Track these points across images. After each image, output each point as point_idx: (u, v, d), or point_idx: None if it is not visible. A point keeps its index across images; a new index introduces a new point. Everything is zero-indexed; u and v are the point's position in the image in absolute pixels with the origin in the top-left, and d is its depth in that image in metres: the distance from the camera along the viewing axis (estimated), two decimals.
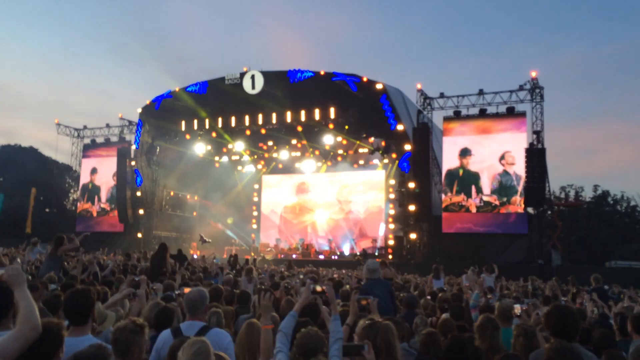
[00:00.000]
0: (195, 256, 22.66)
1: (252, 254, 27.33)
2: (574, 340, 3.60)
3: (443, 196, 24.57)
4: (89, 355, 2.57)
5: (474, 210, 23.95)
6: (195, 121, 27.96)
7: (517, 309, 4.33)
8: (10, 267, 2.84)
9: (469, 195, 24.04)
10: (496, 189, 23.61)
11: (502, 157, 23.64)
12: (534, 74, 23.34)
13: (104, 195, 32.65)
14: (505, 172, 23.52)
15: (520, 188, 22.93)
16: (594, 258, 36.24)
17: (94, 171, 33.29)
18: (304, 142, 28.72)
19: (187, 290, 4.62)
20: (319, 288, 3.83)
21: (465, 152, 24.43)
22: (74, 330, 3.33)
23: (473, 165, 24.23)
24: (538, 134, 22.90)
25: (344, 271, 17.02)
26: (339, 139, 27.87)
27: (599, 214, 45.39)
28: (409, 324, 5.09)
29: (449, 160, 24.67)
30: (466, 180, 24.22)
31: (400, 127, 23.74)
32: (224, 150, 31.07)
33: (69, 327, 3.34)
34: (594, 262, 33.23)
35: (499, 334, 4.30)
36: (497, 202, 23.55)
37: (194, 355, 2.62)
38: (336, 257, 27.78)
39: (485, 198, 23.76)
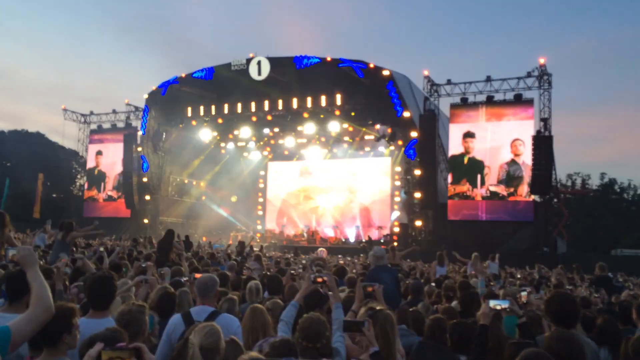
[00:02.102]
0: (201, 242, 22.74)
1: (259, 240, 27.43)
2: (573, 327, 3.62)
3: (448, 185, 24.48)
4: (104, 337, 2.62)
5: (479, 199, 23.82)
6: (202, 107, 27.97)
7: (524, 296, 4.32)
8: (22, 247, 2.83)
9: (474, 185, 23.88)
10: (504, 179, 23.35)
11: (510, 146, 23.40)
12: (542, 61, 23.09)
13: (110, 181, 32.78)
14: (514, 162, 23.26)
15: (527, 177, 22.71)
16: (600, 246, 36.15)
17: (98, 153, 33.39)
18: (311, 128, 28.61)
19: (198, 275, 4.71)
20: (319, 278, 3.86)
21: (468, 135, 24.14)
22: (94, 314, 3.42)
23: (478, 152, 23.97)
24: (545, 121, 22.73)
25: (349, 258, 17.08)
26: (345, 125, 27.78)
27: (605, 202, 45.18)
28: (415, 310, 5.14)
29: (455, 147, 24.56)
30: (471, 168, 23.99)
31: (406, 114, 23.62)
32: (230, 136, 31.05)
33: (89, 310, 3.44)
34: (600, 250, 33.19)
35: (502, 321, 4.32)
36: (504, 193, 23.30)
37: (206, 336, 2.69)
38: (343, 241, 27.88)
39: (492, 188, 23.50)
